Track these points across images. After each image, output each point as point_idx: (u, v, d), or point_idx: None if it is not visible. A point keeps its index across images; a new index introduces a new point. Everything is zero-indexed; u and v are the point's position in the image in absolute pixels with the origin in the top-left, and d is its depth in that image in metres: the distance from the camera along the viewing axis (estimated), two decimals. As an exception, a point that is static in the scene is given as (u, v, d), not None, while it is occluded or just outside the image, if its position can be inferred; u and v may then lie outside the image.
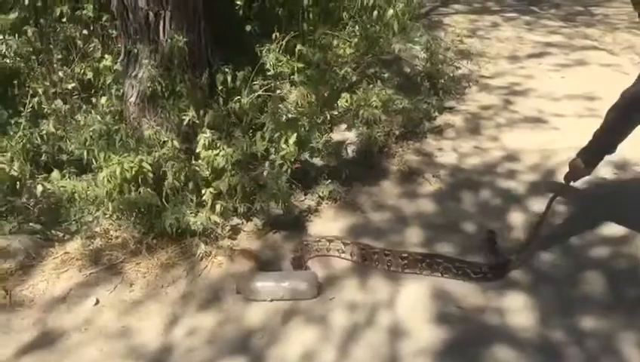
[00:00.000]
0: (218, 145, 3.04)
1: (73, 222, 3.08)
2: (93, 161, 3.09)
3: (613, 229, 3.07)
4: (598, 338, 2.37)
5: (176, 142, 3.05)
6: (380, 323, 2.50)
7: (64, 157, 3.31)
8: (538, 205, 3.29)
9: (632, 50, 6.14)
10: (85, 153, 3.09)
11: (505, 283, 2.72)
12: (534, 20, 7.19)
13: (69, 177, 3.13)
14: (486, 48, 6.05)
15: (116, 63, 3.53)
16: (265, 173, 3.12)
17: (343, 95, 3.95)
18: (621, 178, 3.60)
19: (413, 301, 2.64)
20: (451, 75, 5.07)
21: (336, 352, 2.36)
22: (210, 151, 3.00)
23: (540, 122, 4.46)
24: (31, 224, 3.09)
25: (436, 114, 4.57)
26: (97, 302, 2.68)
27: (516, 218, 3.23)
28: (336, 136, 3.92)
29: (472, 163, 3.93)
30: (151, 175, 2.92)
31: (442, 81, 4.94)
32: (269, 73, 3.51)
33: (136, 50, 3.17)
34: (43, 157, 3.33)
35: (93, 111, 3.44)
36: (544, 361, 2.28)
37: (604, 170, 3.65)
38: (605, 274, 2.75)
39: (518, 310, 2.54)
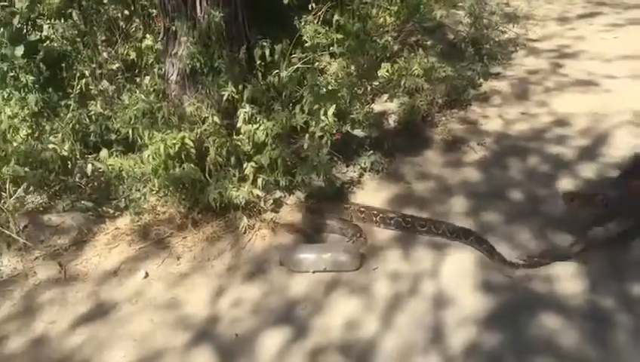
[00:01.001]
0: (258, 119, 3.04)
1: (122, 199, 3.17)
2: (139, 139, 3.15)
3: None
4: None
5: (216, 118, 3.07)
6: (424, 293, 2.49)
7: (112, 136, 3.38)
8: (587, 171, 3.19)
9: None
10: (130, 132, 3.15)
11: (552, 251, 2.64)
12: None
13: (117, 156, 3.20)
14: (534, 10, 5.85)
15: (157, 43, 3.58)
16: (305, 146, 3.11)
17: (384, 65, 3.89)
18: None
19: (458, 270, 2.60)
20: (497, 39, 4.93)
21: (380, 322, 2.36)
22: (250, 125, 3.01)
23: (591, 85, 4.29)
24: (83, 202, 3.19)
25: (481, 80, 4.47)
26: (147, 275, 2.76)
27: (566, 184, 3.12)
28: (378, 106, 3.88)
29: (519, 129, 3.83)
30: (194, 151, 2.96)
31: (487, 46, 4.81)
32: (307, 45, 3.47)
33: (174, 28, 3.20)
34: (92, 137, 3.42)
35: (137, 91, 3.50)
36: (593, 328, 2.22)
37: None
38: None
39: (566, 277, 2.48)
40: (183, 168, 2.96)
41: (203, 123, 3.06)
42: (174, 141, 2.92)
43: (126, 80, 3.68)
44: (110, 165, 3.16)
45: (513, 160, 3.44)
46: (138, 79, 3.72)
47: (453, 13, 5.04)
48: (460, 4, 5.01)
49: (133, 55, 3.78)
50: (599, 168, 3.25)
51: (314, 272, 2.65)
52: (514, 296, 2.42)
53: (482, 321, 2.30)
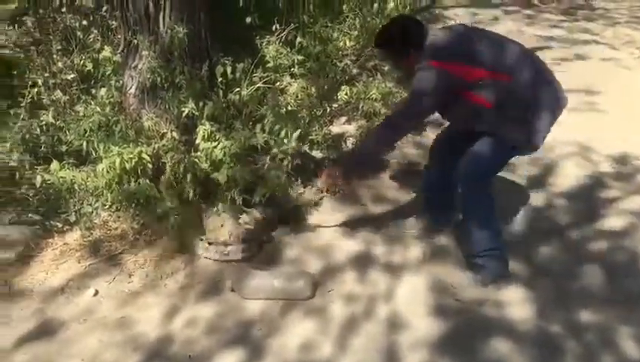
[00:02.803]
0: (217, 137, 3.03)
1: (72, 213, 3.08)
2: (93, 152, 3.08)
3: (612, 223, 3.08)
4: (596, 331, 2.38)
5: (175, 134, 3.04)
6: (379, 315, 2.51)
7: (63, 148, 3.29)
8: (536, 198, 3.31)
9: (633, 45, 6.13)
10: (85, 144, 3.08)
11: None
12: (535, 14, 7.19)
13: (69, 168, 3.12)
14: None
15: (116, 55, 3.52)
16: (265, 166, 3.11)
17: (343, 88, 3.95)
18: (620, 171, 3.61)
19: (411, 293, 2.64)
20: (451, 68, 5.06)
21: (335, 343, 2.36)
22: (209, 143, 3.00)
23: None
24: (30, 215, 3.08)
25: (436, 107, 4.57)
26: (96, 292, 2.67)
27: (516, 210, 3.23)
28: (336, 128, 3.92)
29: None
30: (150, 166, 2.91)
31: (442, 74, 4.94)
32: (268, 65, 3.50)
33: (136, 41, 3.16)
34: (42, 148, 3.31)
35: (92, 103, 3.43)
36: (541, 354, 2.28)
37: (604, 165, 3.67)
38: (604, 268, 2.76)
39: (516, 303, 2.55)
40: (139, 183, 2.92)
41: (161, 138, 3.02)
42: (131, 155, 2.87)
43: (81, 91, 3.60)
44: (61, 177, 3.07)
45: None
46: (94, 91, 3.64)
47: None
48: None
49: (89, 66, 3.70)
50: (547, 196, 3.37)
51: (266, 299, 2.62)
52: (466, 320, 2.47)
53: (435, 344, 2.34)
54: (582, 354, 2.28)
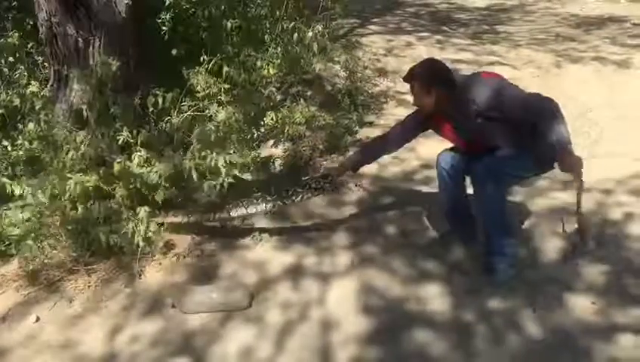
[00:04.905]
0: (152, 162, 3.18)
1: (5, 245, 3.12)
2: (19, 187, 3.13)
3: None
4: (503, 315, 2.69)
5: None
6: (312, 318, 2.72)
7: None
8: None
9: (532, 65, 6.72)
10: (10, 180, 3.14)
11: (421, 275, 3.01)
12: (445, 39, 7.67)
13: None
14: (401, 66, 6.45)
15: (44, 89, 3.61)
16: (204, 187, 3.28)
17: (269, 113, 4.18)
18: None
19: (342, 295, 2.87)
20: (370, 91, 5.41)
21: (272, 346, 2.56)
22: (144, 168, 3.14)
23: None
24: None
25: (357, 128, 4.87)
26: (38, 319, 2.75)
27: (433, 219, 3.53)
28: (264, 152, 4.15)
29: (391, 171, 4.23)
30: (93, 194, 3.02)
31: (362, 97, 5.27)
32: (197, 94, 3.68)
33: (66, 74, 3.28)
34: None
35: (20, 137, 3.49)
36: (457, 339, 2.57)
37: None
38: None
39: (434, 297, 2.83)
40: (76, 212, 3.01)
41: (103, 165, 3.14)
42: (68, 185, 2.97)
43: (8, 127, 3.64)
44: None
45: (387, 199, 3.83)
46: (21, 126, 3.69)
47: (331, 66, 5.48)
48: (336, 58, 5.47)
49: (16, 101, 3.76)
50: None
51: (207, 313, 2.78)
52: (390, 315, 2.73)
53: (363, 340, 2.58)
54: (491, 336, 2.58)
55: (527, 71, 6.51)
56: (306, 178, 3.34)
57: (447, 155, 3.09)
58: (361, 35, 7.33)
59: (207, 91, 3.79)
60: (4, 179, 3.15)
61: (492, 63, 6.71)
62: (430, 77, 2.86)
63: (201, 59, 3.66)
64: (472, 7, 9.35)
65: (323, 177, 3.35)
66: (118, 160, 3.04)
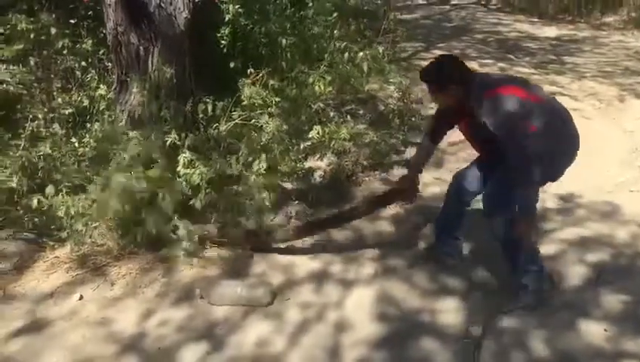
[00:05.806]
0: (196, 165, 3.43)
1: (65, 231, 3.43)
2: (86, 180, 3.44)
3: (544, 249, 3.42)
4: (513, 334, 2.73)
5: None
6: (328, 320, 2.86)
7: (59, 176, 3.66)
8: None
9: (595, 97, 6.60)
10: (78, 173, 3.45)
11: (441, 290, 3.08)
12: (509, 67, 7.65)
13: (64, 193, 3.47)
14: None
15: (110, 92, 3.96)
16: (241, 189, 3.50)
17: (315, 127, 4.37)
18: (563, 208, 3.98)
19: (360, 302, 2.99)
20: (422, 113, 5.50)
21: (287, 341, 2.72)
22: (188, 169, 3.39)
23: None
24: (25, 234, 3.44)
25: (403, 148, 4.98)
26: (81, 297, 3.02)
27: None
28: (308, 163, 4.33)
29: (431, 191, 4.31)
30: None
31: (413, 118, 5.37)
32: (244, 104, 3.93)
33: (127, 80, 3.60)
34: (39, 174, 3.68)
35: (87, 135, 3.83)
36: (463, 351, 2.64)
37: (549, 202, 4.03)
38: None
39: (449, 311, 2.90)
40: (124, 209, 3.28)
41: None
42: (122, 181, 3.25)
43: (77, 124, 4.00)
44: (56, 201, 3.43)
45: (421, 216, 3.91)
46: (89, 124, 4.05)
47: (386, 87, 5.63)
48: (392, 80, 5.61)
49: (86, 102, 4.13)
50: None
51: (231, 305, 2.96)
52: (403, 324, 2.83)
53: (373, 343, 2.70)
54: (497, 352, 2.62)
55: (588, 103, 6.41)
56: None
57: (462, 176, 3.22)
58: (424, 58, 7.43)
59: (258, 102, 4.04)
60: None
61: (553, 94, 6.65)
62: (445, 75, 2.82)
63: (249, 72, 3.89)
64: (542, 36, 9.24)
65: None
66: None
